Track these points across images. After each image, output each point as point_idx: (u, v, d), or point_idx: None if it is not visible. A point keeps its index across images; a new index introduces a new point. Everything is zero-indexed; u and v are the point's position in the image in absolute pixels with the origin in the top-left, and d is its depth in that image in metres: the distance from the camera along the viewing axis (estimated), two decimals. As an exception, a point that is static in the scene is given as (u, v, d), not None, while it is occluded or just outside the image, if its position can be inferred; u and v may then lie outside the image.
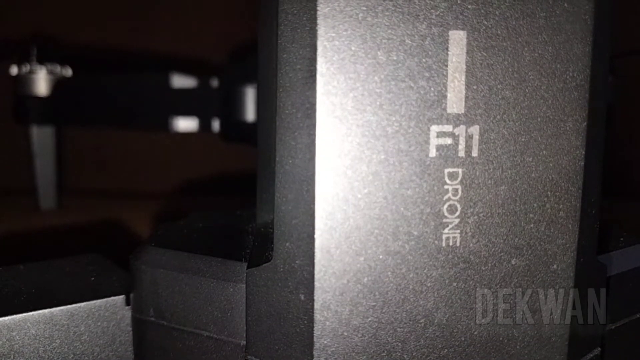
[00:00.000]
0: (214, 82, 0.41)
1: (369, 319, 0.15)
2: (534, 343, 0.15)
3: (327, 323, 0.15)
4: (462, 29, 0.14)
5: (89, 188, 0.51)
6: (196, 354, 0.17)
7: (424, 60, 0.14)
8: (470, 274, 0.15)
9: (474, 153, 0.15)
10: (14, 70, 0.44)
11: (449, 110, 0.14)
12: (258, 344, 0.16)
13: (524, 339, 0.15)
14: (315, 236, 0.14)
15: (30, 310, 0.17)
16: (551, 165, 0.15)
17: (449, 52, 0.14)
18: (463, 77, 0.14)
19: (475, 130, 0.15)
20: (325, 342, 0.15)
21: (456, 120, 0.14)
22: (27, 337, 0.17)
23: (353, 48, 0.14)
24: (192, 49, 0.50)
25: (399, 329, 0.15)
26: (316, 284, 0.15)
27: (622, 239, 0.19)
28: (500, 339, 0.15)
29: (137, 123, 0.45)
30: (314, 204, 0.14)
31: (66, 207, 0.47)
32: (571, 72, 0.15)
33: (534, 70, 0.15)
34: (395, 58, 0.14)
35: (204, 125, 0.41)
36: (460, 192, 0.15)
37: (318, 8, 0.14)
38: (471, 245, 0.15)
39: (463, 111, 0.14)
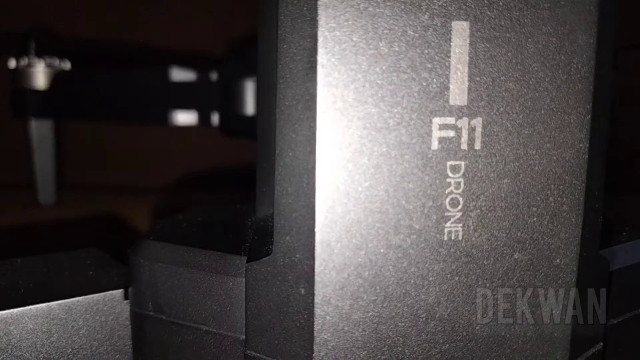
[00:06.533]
0: (214, 76, 0.41)
1: (370, 314, 0.15)
2: (536, 338, 0.15)
3: (328, 317, 0.15)
4: (465, 20, 0.14)
5: (88, 182, 0.51)
6: (195, 349, 0.17)
7: (426, 51, 0.14)
8: (472, 268, 0.15)
9: (477, 146, 0.14)
10: (12, 63, 0.44)
11: (451, 102, 0.14)
12: (258, 338, 0.16)
13: (526, 334, 0.15)
14: (316, 230, 0.14)
15: (28, 305, 0.17)
16: (555, 158, 0.15)
17: (451, 43, 0.14)
18: (466, 69, 0.14)
19: (478, 122, 0.14)
20: (325, 336, 0.15)
21: (459, 112, 0.14)
22: (25, 331, 0.17)
23: (354, 39, 0.14)
24: (191, 42, 0.50)
25: (400, 324, 0.15)
26: (316, 278, 0.14)
27: (624, 233, 0.19)
28: (502, 334, 0.15)
29: (136, 117, 0.45)
30: (314, 197, 0.14)
31: (65, 201, 0.47)
32: (575, 64, 0.15)
33: (538, 61, 0.14)
34: (397, 49, 0.14)
35: (204, 118, 0.41)
36: (462, 185, 0.14)
37: (319, -2, 0.14)
38: (473, 239, 0.15)
39: (466, 103, 0.14)
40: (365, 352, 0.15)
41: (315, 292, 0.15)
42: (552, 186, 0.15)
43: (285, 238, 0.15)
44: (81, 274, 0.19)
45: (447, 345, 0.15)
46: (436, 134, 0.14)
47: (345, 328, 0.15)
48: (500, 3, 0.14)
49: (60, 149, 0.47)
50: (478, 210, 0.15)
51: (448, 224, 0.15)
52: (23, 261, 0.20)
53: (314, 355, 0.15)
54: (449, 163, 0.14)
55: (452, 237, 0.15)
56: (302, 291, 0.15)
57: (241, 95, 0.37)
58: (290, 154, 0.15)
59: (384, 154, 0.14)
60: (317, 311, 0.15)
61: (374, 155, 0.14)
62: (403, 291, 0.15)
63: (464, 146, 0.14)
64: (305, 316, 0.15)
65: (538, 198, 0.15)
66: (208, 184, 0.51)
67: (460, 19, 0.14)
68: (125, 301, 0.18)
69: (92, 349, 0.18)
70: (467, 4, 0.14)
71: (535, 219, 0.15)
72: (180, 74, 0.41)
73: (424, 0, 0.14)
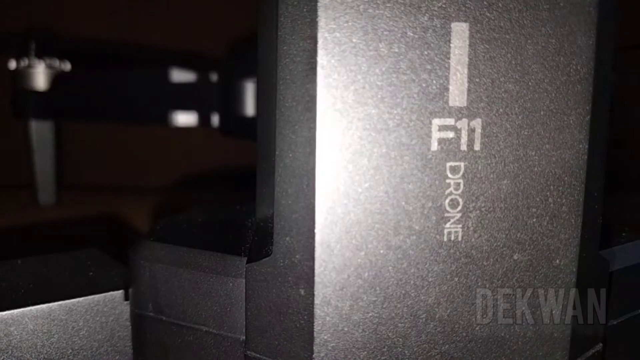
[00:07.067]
0: (214, 76, 0.41)
1: (370, 314, 0.15)
2: (536, 338, 0.15)
3: (328, 318, 0.15)
4: (465, 21, 0.14)
5: (88, 183, 0.51)
6: (195, 349, 0.17)
7: (426, 52, 0.14)
8: (471, 269, 0.15)
9: (476, 147, 0.14)
10: (12, 64, 0.44)
11: (451, 104, 0.14)
12: (258, 339, 0.16)
13: (525, 335, 0.15)
14: (316, 231, 0.14)
15: (29, 305, 0.17)
16: (554, 159, 0.15)
17: (451, 45, 0.14)
18: (465, 70, 0.14)
19: (477, 123, 0.14)
20: (325, 337, 0.15)
21: (458, 113, 0.14)
22: (25, 332, 0.17)
23: (354, 40, 0.14)
24: (191, 42, 0.50)
25: (399, 325, 0.15)
26: (316, 278, 0.14)
27: (624, 234, 0.19)
28: (502, 334, 0.15)
29: (137, 117, 0.45)
30: (314, 198, 0.14)
31: (65, 202, 0.47)
32: (575, 65, 0.15)
33: (537, 63, 0.14)
34: (396, 50, 0.14)
35: (204, 119, 0.41)
36: (462, 186, 0.14)
37: (318, -1, 0.14)
38: (473, 240, 0.15)
39: (465, 104, 0.14)
40: (365, 352, 0.15)
41: (315, 293, 0.15)
42: (552, 187, 0.15)
43: (285, 239, 0.15)
44: (81, 275, 0.19)
45: (447, 346, 0.15)
46: (436, 135, 0.14)
47: (345, 329, 0.15)
48: (500, 4, 0.14)
49: (60, 150, 0.47)
50: (477, 211, 0.15)
51: (448, 225, 0.15)
52: (23, 262, 0.20)
53: (314, 356, 0.15)
54: (448, 164, 0.14)
55: (452, 238, 0.15)
56: (302, 292, 0.15)
57: (241, 96, 0.37)
58: (290, 155, 0.15)
59: (384, 155, 0.14)
60: (317, 312, 0.15)
61: (373, 156, 0.14)
62: (403, 292, 0.15)
63: (464, 147, 0.14)
64: (305, 317, 0.15)
65: (537, 199, 0.15)
66: (208, 184, 0.51)
67: (460, 20, 0.14)
68: (126, 302, 0.18)
69: (92, 349, 0.18)
70: (467, 5, 0.14)
71: (534, 219, 0.15)
72: (180, 75, 0.41)
73: (424, 2, 0.14)
